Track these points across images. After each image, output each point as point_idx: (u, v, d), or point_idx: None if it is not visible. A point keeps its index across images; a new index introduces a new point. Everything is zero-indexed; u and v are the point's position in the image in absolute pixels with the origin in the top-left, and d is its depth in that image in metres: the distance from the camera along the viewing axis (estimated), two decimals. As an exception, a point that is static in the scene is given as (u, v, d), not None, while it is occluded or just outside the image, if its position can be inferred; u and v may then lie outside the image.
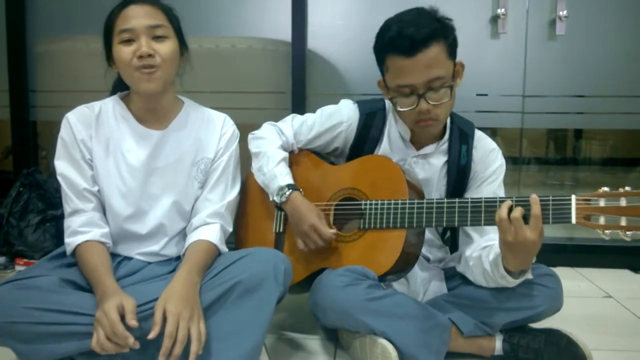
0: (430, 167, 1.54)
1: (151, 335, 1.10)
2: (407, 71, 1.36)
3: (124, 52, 1.30)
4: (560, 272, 1.49)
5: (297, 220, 1.47)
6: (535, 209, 1.21)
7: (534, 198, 1.22)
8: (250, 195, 1.67)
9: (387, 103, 1.58)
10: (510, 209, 1.23)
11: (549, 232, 2.58)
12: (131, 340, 1.09)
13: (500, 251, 1.29)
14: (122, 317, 1.11)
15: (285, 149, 1.61)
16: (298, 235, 1.48)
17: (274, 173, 1.52)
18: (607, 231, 1.18)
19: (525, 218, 1.22)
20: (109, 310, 1.11)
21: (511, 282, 1.34)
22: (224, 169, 1.45)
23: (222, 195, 1.44)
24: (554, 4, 2.34)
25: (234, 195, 1.48)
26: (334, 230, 1.45)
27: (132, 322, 1.10)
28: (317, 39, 2.43)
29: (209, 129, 1.46)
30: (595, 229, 1.19)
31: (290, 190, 1.49)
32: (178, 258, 1.41)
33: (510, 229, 1.21)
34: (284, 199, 1.49)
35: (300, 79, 2.42)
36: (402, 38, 1.34)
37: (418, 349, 1.33)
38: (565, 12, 2.32)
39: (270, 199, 1.54)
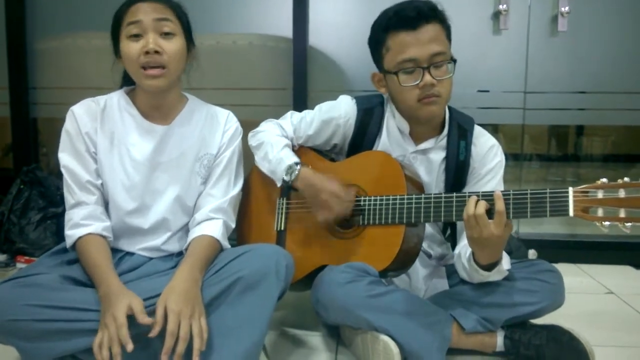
0: (430, 163, 1.53)
1: (152, 334, 1.10)
2: (411, 44, 1.38)
3: (131, 47, 1.31)
4: (562, 268, 1.49)
5: (314, 192, 1.45)
6: (499, 204, 1.23)
7: (497, 194, 1.24)
8: (252, 193, 1.67)
9: (385, 98, 1.57)
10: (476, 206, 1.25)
11: (551, 229, 2.58)
12: (130, 346, 1.08)
13: (469, 246, 1.32)
14: (130, 317, 1.11)
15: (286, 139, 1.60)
16: (318, 207, 1.46)
17: (280, 157, 1.52)
18: (606, 223, 1.16)
19: (492, 213, 1.24)
20: (117, 313, 1.10)
21: (485, 275, 1.36)
22: (226, 164, 1.45)
23: (225, 191, 1.44)
24: (556, 0, 2.33)
25: (237, 191, 1.48)
26: (353, 192, 1.44)
27: (146, 319, 1.10)
28: (318, 36, 2.43)
29: (212, 125, 1.46)
30: (593, 222, 1.18)
31: (299, 167, 1.48)
32: (180, 254, 1.41)
33: (475, 225, 1.24)
34: (294, 177, 1.48)
35: (301, 76, 2.42)
36: (407, 10, 1.39)
37: (420, 345, 1.33)
38: (567, 8, 2.31)
39: (278, 184, 1.53)
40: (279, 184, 1.53)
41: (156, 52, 1.30)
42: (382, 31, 1.44)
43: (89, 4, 2.47)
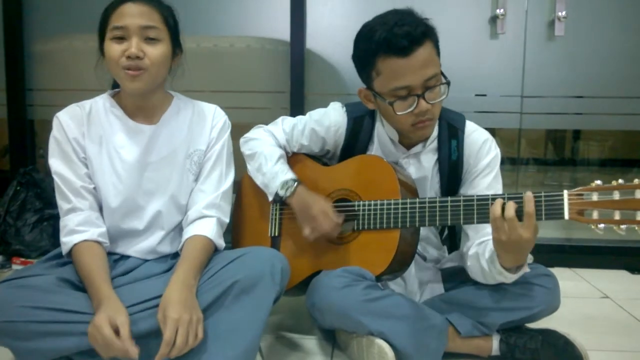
0: (422, 166, 1.52)
1: (158, 358, 1.10)
2: (404, 72, 1.33)
3: (113, 49, 1.30)
4: (558, 272, 1.49)
5: (306, 207, 1.45)
6: (529, 206, 1.19)
7: (528, 196, 1.20)
8: (246, 199, 1.67)
9: None
10: (503, 207, 1.21)
11: (547, 233, 2.58)
12: (134, 351, 1.08)
13: (494, 249, 1.28)
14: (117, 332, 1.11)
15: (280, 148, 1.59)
16: (306, 221, 1.45)
17: (275, 171, 1.51)
18: (600, 225, 1.16)
19: (519, 216, 1.20)
20: (100, 325, 1.09)
21: (509, 277, 1.33)
22: (216, 159, 1.44)
23: (217, 185, 1.43)
24: (553, 4, 2.34)
25: (229, 185, 1.46)
26: (341, 218, 1.44)
27: (132, 348, 1.08)
28: (316, 39, 2.43)
29: (200, 121, 1.45)
30: (588, 224, 1.17)
31: (296, 184, 1.48)
32: (175, 255, 1.40)
33: (504, 227, 1.20)
34: (288, 193, 1.47)
35: (298, 79, 2.42)
36: (397, 37, 1.30)
37: (415, 349, 1.33)
38: (564, 12, 2.31)
39: (270, 198, 1.53)
40: (270, 198, 1.52)
41: (137, 57, 1.28)
42: (370, 54, 1.36)
43: (86, 6, 2.46)
